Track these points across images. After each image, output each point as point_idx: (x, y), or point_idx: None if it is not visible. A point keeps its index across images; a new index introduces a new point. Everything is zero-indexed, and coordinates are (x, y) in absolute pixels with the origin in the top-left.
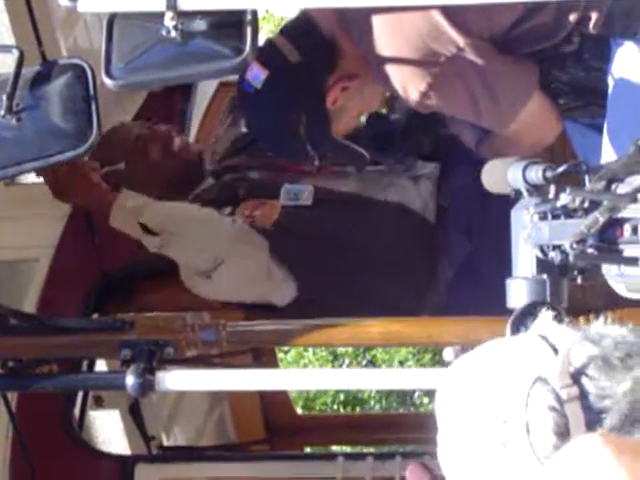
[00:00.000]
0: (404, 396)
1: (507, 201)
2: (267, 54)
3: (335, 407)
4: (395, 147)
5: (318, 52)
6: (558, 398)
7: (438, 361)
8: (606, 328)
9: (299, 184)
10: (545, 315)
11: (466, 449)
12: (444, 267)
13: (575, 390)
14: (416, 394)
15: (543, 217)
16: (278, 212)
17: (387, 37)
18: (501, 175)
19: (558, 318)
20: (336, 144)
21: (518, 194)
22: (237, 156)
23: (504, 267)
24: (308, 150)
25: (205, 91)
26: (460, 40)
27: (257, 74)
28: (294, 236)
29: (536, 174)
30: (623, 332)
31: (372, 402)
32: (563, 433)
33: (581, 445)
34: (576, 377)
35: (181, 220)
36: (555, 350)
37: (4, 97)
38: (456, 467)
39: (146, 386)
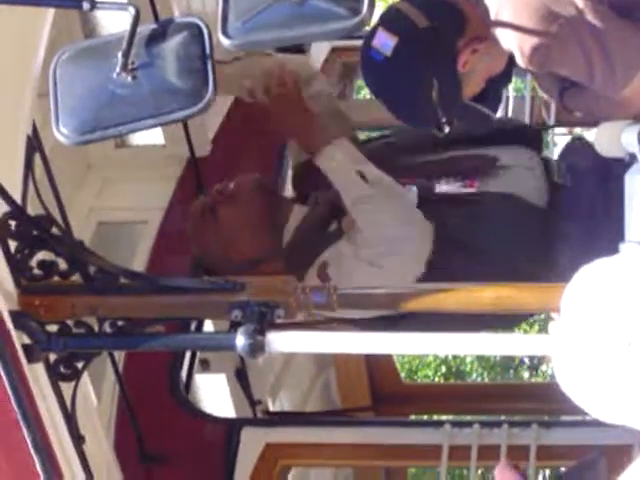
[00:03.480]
0: (506, 369)
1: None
2: (394, 21)
3: (437, 380)
4: (488, 99)
5: (446, 16)
6: None
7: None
8: None
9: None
10: None
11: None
12: (563, 257)
13: None
14: (519, 368)
15: None
16: None
17: None
18: (615, 138)
19: None
20: (465, 107)
21: (632, 158)
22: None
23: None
24: (439, 115)
25: (317, 56)
26: (580, 2)
27: (386, 41)
28: None
29: None
30: None
31: (474, 375)
32: None
33: None
34: None
35: (395, 192)
36: None
37: (120, 55)
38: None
39: (256, 347)
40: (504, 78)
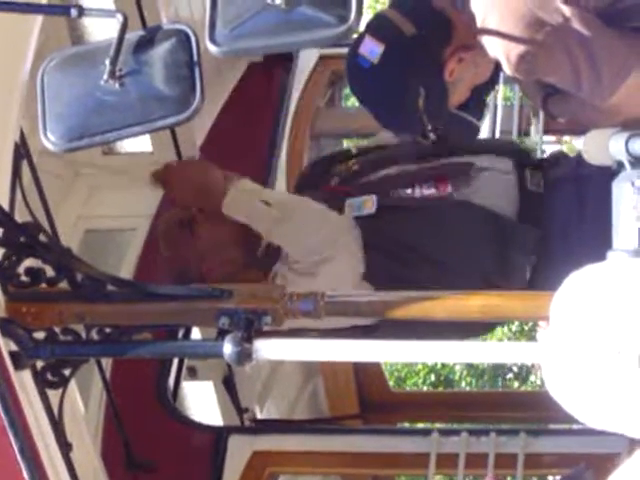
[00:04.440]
0: (495, 378)
1: (607, 195)
2: (381, 28)
3: (425, 388)
4: (469, 107)
5: (433, 24)
6: None
7: None
8: None
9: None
10: None
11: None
12: (517, 255)
13: None
14: (507, 376)
15: None
16: None
17: (492, 4)
18: (602, 146)
19: None
20: (451, 116)
21: (620, 166)
22: None
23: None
24: (424, 123)
25: (305, 64)
26: (566, 10)
27: (373, 48)
28: (364, 243)
29: None
30: None
31: (463, 383)
32: None
33: None
34: None
35: (300, 205)
36: None
37: (107, 62)
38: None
39: (244, 355)
40: (489, 85)
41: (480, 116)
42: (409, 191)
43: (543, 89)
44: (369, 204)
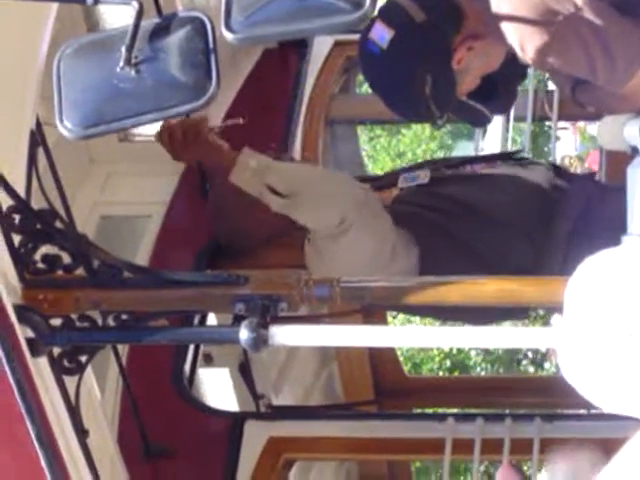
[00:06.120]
0: (510, 363)
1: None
2: (391, 14)
3: (441, 373)
4: (499, 96)
5: (443, 12)
6: None
7: None
8: None
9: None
10: None
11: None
12: (560, 227)
13: None
14: (523, 362)
15: None
16: (397, 193)
17: None
18: (617, 131)
19: None
20: (459, 103)
21: (635, 151)
22: None
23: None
24: (432, 110)
25: (320, 50)
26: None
27: (382, 34)
28: (412, 204)
29: None
30: None
31: (478, 369)
32: None
33: None
34: None
35: (309, 181)
36: None
37: (123, 49)
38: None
39: (260, 340)
40: (518, 75)
41: (509, 106)
42: (460, 168)
43: (572, 78)
44: (422, 175)
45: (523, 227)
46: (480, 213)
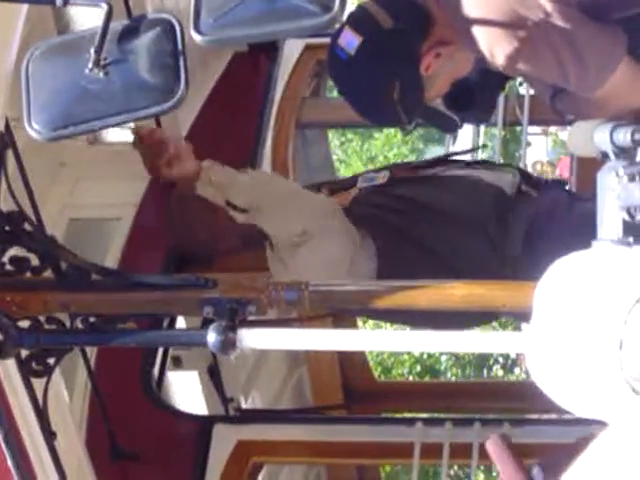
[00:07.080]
0: (480, 368)
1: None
2: (360, 20)
3: (411, 378)
4: (476, 105)
5: (411, 19)
6: None
7: None
8: None
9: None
10: None
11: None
12: (515, 223)
13: None
14: (493, 368)
15: (632, 179)
16: (355, 194)
17: (474, 1)
18: (587, 137)
19: None
20: (428, 110)
21: (605, 156)
22: None
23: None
24: (400, 116)
25: (290, 53)
26: (547, 5)
27: (351, 40)
28: (369, 205)
29: (624, 136)
30: None
31: (448, 374)
32: None
33: None
34: None
35: (269, 195)
36: None
37: (92, 51)
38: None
39: (228, 343)
40: (497, 85)
41: (489, 114)
42: (422, 170)
43: (551, 87)
44: (381, 176)
45: (478, 223)
46: (433, 211)
